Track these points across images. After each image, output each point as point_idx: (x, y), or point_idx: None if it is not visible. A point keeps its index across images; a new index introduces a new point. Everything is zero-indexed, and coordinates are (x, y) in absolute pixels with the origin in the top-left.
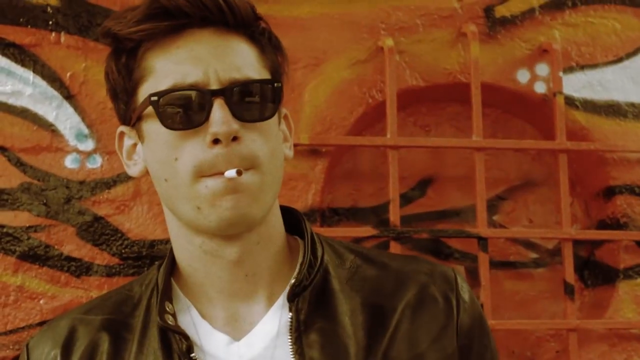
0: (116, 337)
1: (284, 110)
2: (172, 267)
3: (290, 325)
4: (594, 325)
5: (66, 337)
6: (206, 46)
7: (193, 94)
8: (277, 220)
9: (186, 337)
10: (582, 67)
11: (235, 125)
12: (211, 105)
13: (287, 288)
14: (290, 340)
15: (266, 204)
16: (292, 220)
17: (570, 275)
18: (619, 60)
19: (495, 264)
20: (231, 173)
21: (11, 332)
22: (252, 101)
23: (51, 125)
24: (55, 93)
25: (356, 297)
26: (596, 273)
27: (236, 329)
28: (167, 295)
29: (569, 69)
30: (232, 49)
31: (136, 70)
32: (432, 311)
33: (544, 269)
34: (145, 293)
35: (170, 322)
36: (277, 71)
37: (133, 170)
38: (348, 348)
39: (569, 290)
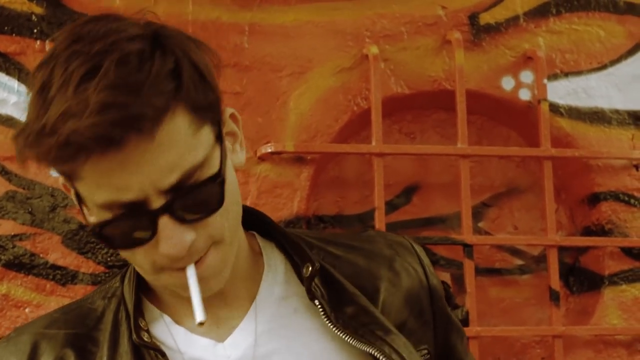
0: (82, 352)
1: (229, 111)
2: (139, 280)
3: (324, 313)
4: (579, 331)
5: (30, 353)
6: (132, 157)
7: (134, 220)
8: (242, 243)
9: (162, 354)
10: (567, 74)
11: (187, 236)
12: (156, 225)
13: (304, 284)
14: (330, 325)
15: (230, 267)
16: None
17: (556, 282)
18: (603, 67)
19: (480, 271)
20: (192, 270)
21: None
22: (199, 199)
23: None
24: None
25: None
26: (581, 279)
27: (218, 331)
28: (138, 310)
29: (554, 76)
30: (159, 147)
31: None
32: (406, 281)
33: (529, 275)
34: (108, 306)
35: (146, 340)
36: (210, 105)
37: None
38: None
39: (554, 297)
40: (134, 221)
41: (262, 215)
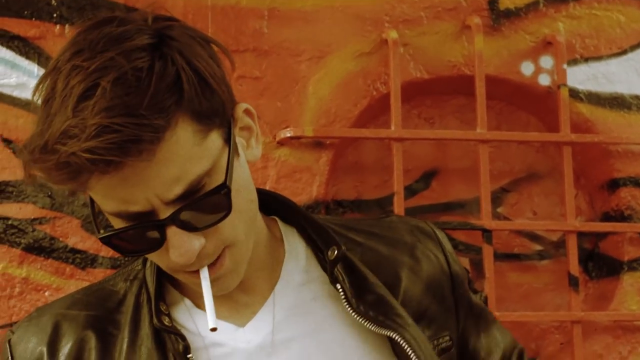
0: (103, 334)
1: (242, 106)
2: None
3: (345, 298)
4: (598, 317)
5: (51, 334)
6: (133, 175)
7: (142, 230)
8: (261, 232)
9: (183, 338)
10: (586, 60)
11: (196, 243)
12: (165, 234)
13: (328, 268)
14: (350, 310)
15: (246, 264)
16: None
17: (575, 268)
18: (623, 52)
19: (499, 256)
20: (205, 273)
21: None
22: (206, 208)
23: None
24: None
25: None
26: (600, 265)
27: (238, 316)
28: (160, 294)
29: (573, 62)
30: (160, 163)
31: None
32: (427, 268)
33: (548, 261)
34: (130, 289)
35: (167, 324)
36: (216, 110)
37: None
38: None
39: (573, 283)
40: (143, 230)
41: (284, 200)
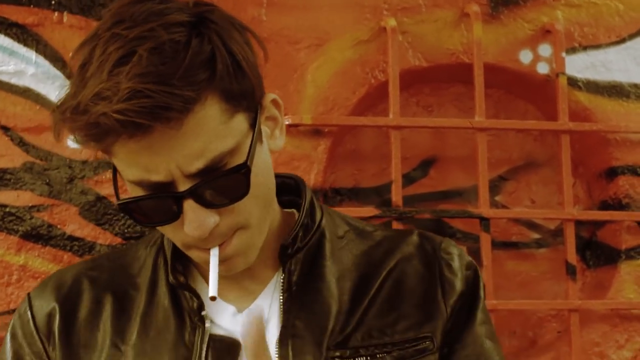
0: (122, 295)
1: (270, 96)
2: None
3: (282, 286)
4: (595, 305)
5: (68, 292)
6: (159, 142)
7: (159, 201)
8: (275, 221)
9: (197, 296)
10: (585, 48)
11: (210, 219)
12: (182, 207)
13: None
14: (280, 299)
15: (257, 249)
16: (292, 191)
17: (572, 256)
18: (622, 41)
19: (497, 245)
20: (215, 252)
21: (14, 311)
22: (224, 186)
23: (54, 104)
24: (58, 73)
25: (345, 265)
26: (598, 254)
27: (241, 300)
28: (177, 255)
29: (572, 50)
30: (185, 134)
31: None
32: (413, 280)
33: (546, 249)
34: (150, 254)
35: (182, 280)
36: (245, 93)
37: None
38: (330, 308)
39: (570, 271)
40: (162, 201)
41: (304, 193)
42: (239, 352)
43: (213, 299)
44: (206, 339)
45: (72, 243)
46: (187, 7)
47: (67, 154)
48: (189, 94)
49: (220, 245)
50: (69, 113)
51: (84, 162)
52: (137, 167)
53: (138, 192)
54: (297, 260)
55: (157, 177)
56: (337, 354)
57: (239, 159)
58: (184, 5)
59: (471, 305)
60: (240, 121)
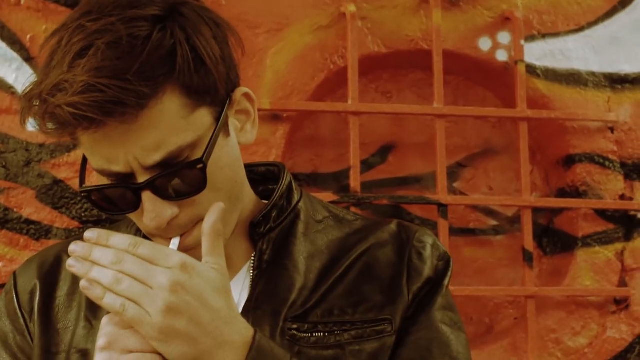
0: None
1: (242, 90)
2: None
3: (253, 264)
4: (552, 292)
5: (49, 269)
6: (115, 134)
7: (119, 190)
8: (246, 211)
9: None
10: (544, 36)
11: (168, 211)
12: (140, 198)
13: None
14: (251, 276)
15: (225, 237)
16: (277, 178)
17: (529, 243)
18: (580, 29)
19: (455, 231)
20: (175, 242)
21: None
22: (182, 179)
23: (11, 87)
24: (15, 55)
25: (318, 247)
26: (555, 241)
27: None
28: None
29: (531, 38)
30: (142, 128)
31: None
32: (383, 266)
33: (503, 236)
34: (129, 233)
35: None
36: (208, 88)
37: None
38: (294, 282)
39: (527, 258)
40: (121, 191)
41: (283, 178)
42: None
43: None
44: None
45: (28, 227)
46: (158, 1)
47: (24, 136)
48: (143, 89)
49: (181, 236)
50: (33, 100)
51: (41, 145)
52: (99, 156)
53: (103, 181)
54: (270, 240)
55: (117, 167)
56: (295, 326)
57: (200, 152)
58: None
59: (433, 291)
60: (203, 115)
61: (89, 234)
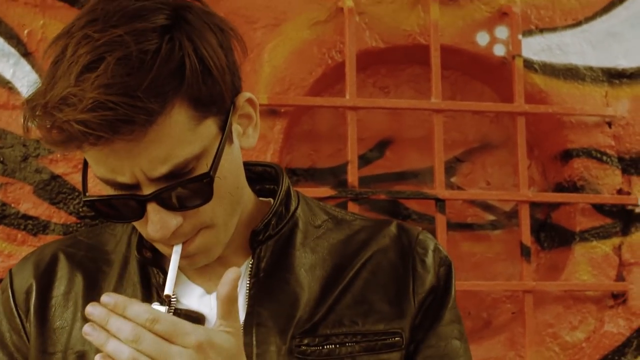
0: (95, 272)
1: (245, 95)
2: None
3: (250, 271)
4: (549, 287)
5: (45, 269)
6: (123, 148)
7: (124, 201)
8: (246, 211)
9: (164, 272)
10: (542, 31)
11: (173, 221)
12: (145, 209)
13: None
14: (247, 285)
15: (222, 245)
16: (273, 179)
17: (527, 238)
18: (578, 24)
19: (452, 226)
20: (178, 249)
21: None
22: (187, 192)
23: (8, 82)
24: (13, 50)
25: (319, 254)
26: (552, 235)
27: (210, 284)
28: None
29: (528, 32)
30: (150, 142)
31: None
32: (387, 273)
33: (500, 231)
34: (126, 231)
35: (148, 256)
36: (215, 99)
37: None
38: (298, 297)
39: (525, 252)
40: (126, 202)
41: (281, 182)
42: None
43: (167, 297)
44: (171, 312)
45: (26, 222)
46: (166, 4)
47: (21, 132)
48: (152, 106)
49: (184, 243)
50: (37, 111)
51: (38, 141)
52: (104, 167)
53: (106, 188)
54: (268, 247)
55: (123, 178)
56: (305, 341)
57: (206, 163)
58: (160, 6)
59: (440, 304)
60: (209, 125)
61: (107, 298)
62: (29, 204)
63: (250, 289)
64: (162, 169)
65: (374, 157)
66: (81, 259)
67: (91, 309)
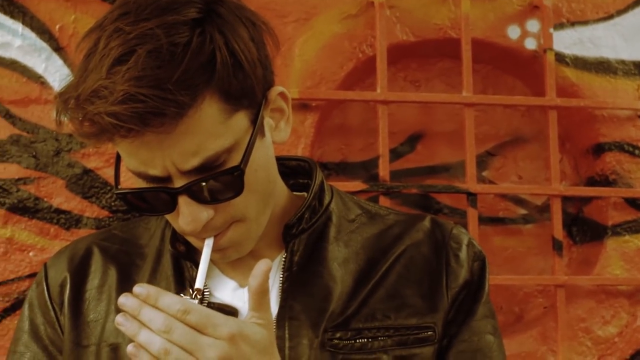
0: (129, 266)
1: (278, 89)
2: None
3: (284, 265)
4: (581, 281)
5: (79, 262)
6: (154, 141)
7: (156, 194)
8: (279, 206)
9: (197, 265)
10: (573, 24)
11: (204, 214)
12: (176, 202)
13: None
14: (281, 279)
15: (255, 239)
16: (307, 173)
17: (559, 232)
18: (610, 17)
19: (484, 220)
20: (209, 242)
21: (0, 284)
22: (219, 184)
23: (40, 77)
24: (45, 45)
25: (353, 248)
26: (584, 230)
27: (244, 276)
28: None
29: (560, 26)
30: (180, 135)
31: None
32: (421, 268)
33: (532, 225)
34: (159, 225)
35: (181, 249)
36: (246, 92)
37: None
38: (331, 291)
39: (557, 247)
40: (157, 194)
41: (315, 176)
42: None
43: (198, 291)
44: (204, 305)
45: (58, 216)
46: (195, 2)
47: (53, 126)
48: (183, 98)
49: (215, 236)
50: (70, 104)
51: (71, 135)
52: (135, 159)
53: (138, 182)
54: (301, 241)
55: (154, 171)
56: (338, 335)
57: (237, 156)
58: None
59: (474, 298)
60: (240, 119)
61: (139, 289)
62: (62, 198)
63: (283, 282)
64: (193, 162)
65: (405, 151)
66: (115, 253)
67: (124, 300)
